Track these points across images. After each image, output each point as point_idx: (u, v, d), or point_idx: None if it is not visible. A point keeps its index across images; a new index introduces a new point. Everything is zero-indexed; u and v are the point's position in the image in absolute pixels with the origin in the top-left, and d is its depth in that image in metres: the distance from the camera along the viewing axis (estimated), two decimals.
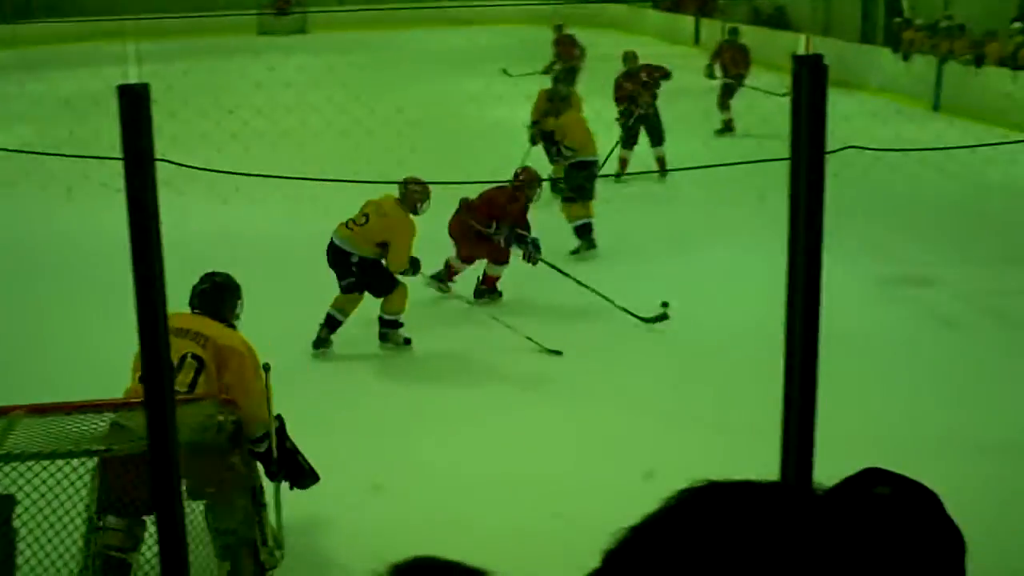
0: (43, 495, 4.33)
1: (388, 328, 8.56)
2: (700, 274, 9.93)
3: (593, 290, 9.08)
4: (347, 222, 8.34)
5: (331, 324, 8.42)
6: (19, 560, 4.32)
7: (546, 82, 15.19)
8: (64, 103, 17.24)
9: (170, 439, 2.10)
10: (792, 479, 2.12)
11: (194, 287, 5.56)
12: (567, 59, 18.57)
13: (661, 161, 13.79)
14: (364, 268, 8.27)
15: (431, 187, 8.38)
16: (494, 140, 12.72)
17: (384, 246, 8.26)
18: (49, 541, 4.37)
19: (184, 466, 3.93)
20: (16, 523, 4.29)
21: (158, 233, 2.09)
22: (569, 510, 5.60)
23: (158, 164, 2.06)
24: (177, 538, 2.11)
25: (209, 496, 4.67)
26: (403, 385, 7.92)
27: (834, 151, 2.87)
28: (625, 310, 8.81)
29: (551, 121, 12.32)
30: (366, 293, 8.41)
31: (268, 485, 5.14)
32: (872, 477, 1.36)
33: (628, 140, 13.85)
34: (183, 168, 3.07)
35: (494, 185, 9.45)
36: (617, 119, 13.92)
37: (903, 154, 11.60)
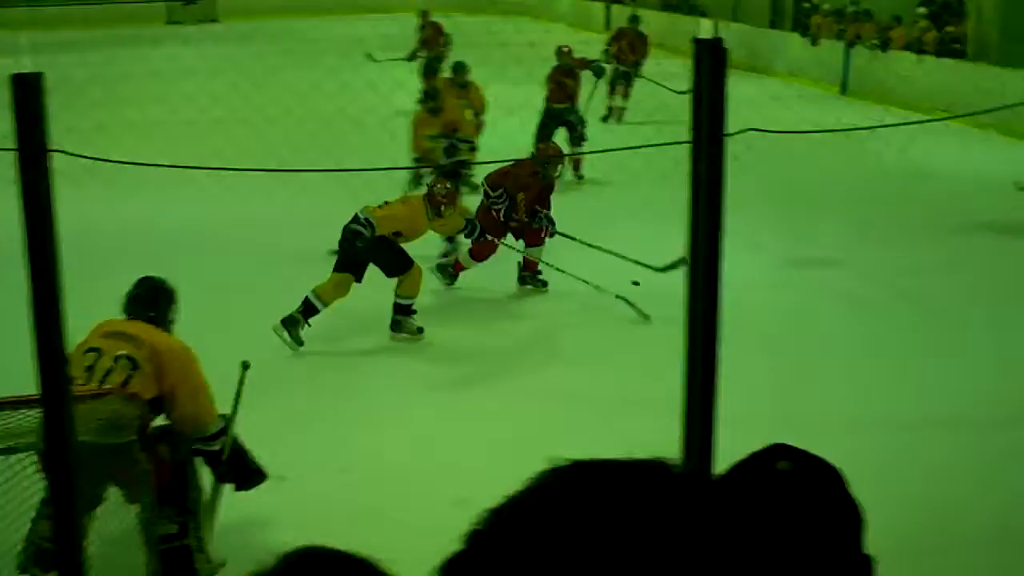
0: None
1: (401, 315, 8.26)
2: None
3: (609, 250, 9.04)
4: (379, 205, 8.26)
5: (308, 311, 8.03)
6: None
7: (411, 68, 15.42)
8: None
9: (66, 435, 2.08)
10: (694, 460, 2.16)
11: (128, 293, 5.44)
12: (432, 47, 18.33)
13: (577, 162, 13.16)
14: (380, 245, 8.04)
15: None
16: (395, 127, 12.60)
17: (398, 235, 8.12)
18: None
19: (100, 464, 3.88)
20: None
21: (52, 225, 2.06)
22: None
23: (54, 155, 2.02)
24: (72, 536, 2.08)
25: (126, 496, 4.61)
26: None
27: (734, 133, 2.91)
28: (639, 263, 8.78)
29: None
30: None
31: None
32: (775, 453, 1.39)
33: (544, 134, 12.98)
34: (81, 160, 3.00)
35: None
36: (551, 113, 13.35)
37: (806, 137, 11.81)
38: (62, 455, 1.99)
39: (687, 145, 2.63)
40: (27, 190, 2.06)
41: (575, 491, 0.73)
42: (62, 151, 2.04)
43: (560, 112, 13.30)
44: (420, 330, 8.28)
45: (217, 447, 5.09)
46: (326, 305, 8.06)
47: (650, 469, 0.85)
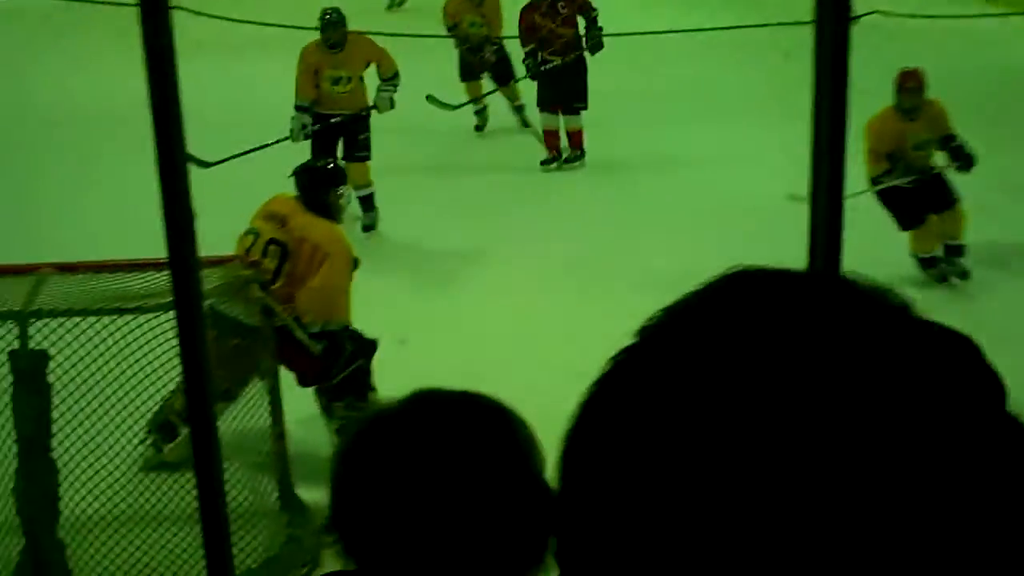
0: (75, 351, 4.37)
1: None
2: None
3: None
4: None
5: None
6: (54, 415, 4.36)
7: None
8: None
9: (194, 300, 2.06)
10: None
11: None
12: None
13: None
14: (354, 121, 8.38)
15: None
16: None
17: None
18: (83, 396, 4.42)
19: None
20: (50, 378, 4.31)
21: (176, 83, 2.01)
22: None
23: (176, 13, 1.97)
24: (207, 415, 2.07)
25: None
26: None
27: (861, 15, 2.74)
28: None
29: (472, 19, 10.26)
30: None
31: None
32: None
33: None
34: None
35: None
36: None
37: (930, 22, 11.17)
38: (190, 320, 1.97)
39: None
40: (149, 45, 1.99)
41: (761, 297, 0.69)
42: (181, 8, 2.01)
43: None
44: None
45: (318, 348, 5.04)
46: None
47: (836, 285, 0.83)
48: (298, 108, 8.22)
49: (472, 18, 10.15)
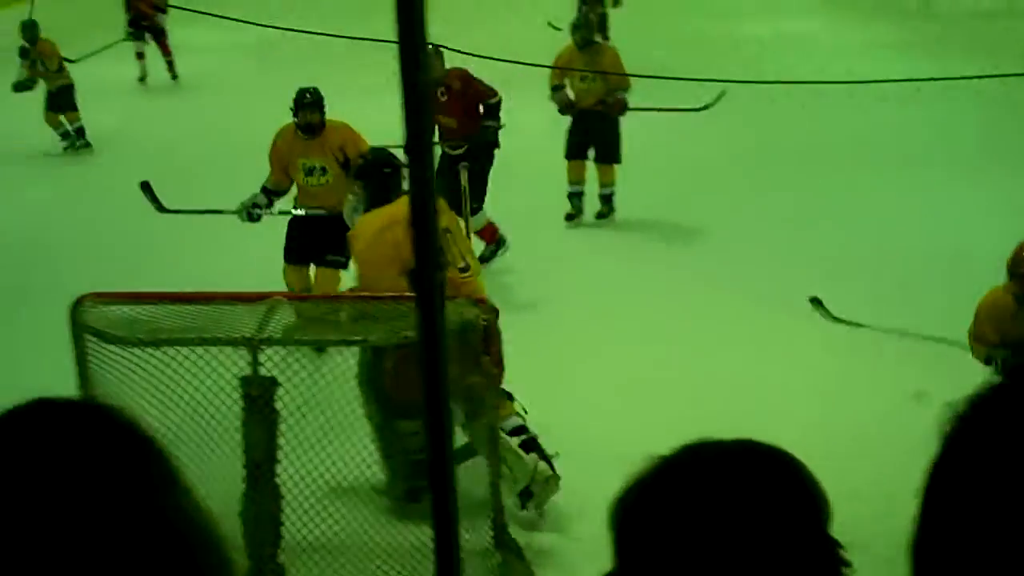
0: (303, 380, 4.48)
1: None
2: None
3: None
4: None
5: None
6: (280, 441, 4.46)
7: None
8: None
9: (439, 335, 2.06)
10: None
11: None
12: None
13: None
14: None
15: None
16: None
17: None
18: (309, 424, 4.51)
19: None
20: (277, 405, 4.42)
21: (430, 120, 2.02)
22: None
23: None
24: (444, 444, 2.07)
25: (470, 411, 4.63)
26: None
27: None
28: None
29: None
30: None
31: None
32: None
33: None
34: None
35: None
36: None
37: None
38: (435, 358, 1.96)
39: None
40: (406, 85, 2.02)
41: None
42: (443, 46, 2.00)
43: None
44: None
45: None
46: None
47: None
48: (262, 189, 7.37)
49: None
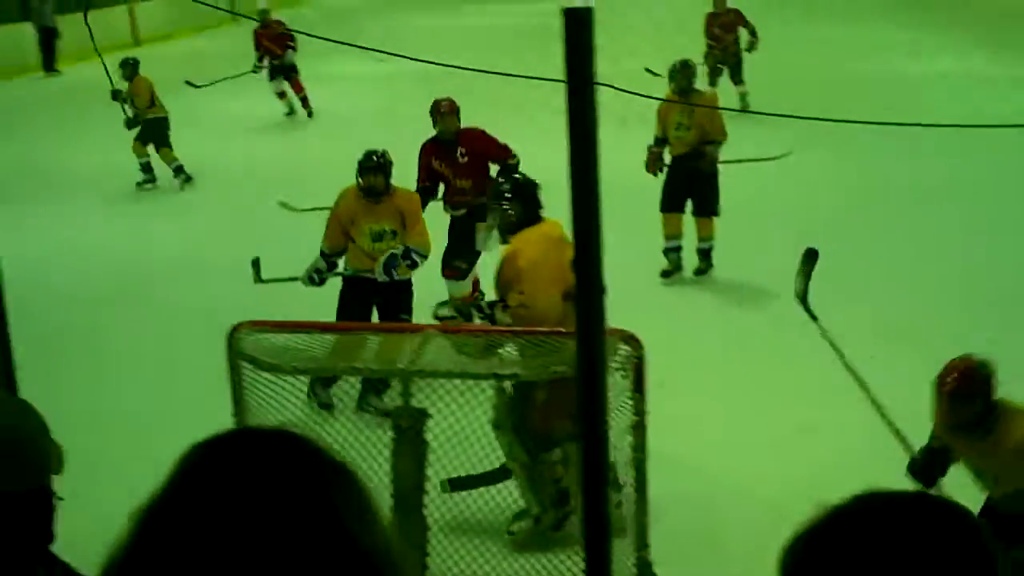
0: (453, 412, 4.54)
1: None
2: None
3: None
4: None
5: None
6: (428, 471, 4.52)
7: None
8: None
9: (598, 370, 2.09)
10: None
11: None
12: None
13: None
14: None
15: None
16: None
17: None
18: (457, 456, 4.57)
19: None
20: (427, 436, 4.49)
21: (596, 156, 2.05)
22: None
23: (599, 88, 2.01)
24: (600, 473, 2.09)
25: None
26: None
27: None
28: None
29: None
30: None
31: None
32: None
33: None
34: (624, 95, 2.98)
35: None
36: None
37: None
38: (592, 388, 2.00)
39: None
40: (573, 121, 2.06)
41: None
42: (609, 85, 2.05)
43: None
44: None
45: None
46: None
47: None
48: (321, 253, 7.13)
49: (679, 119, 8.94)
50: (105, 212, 11.86)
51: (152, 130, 12.68)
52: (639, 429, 4.27)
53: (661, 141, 9.00)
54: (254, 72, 16.15)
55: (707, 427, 6.15)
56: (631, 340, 4.17)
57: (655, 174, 9.01)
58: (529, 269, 5.21)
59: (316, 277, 7.03)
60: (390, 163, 6.99)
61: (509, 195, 5.64)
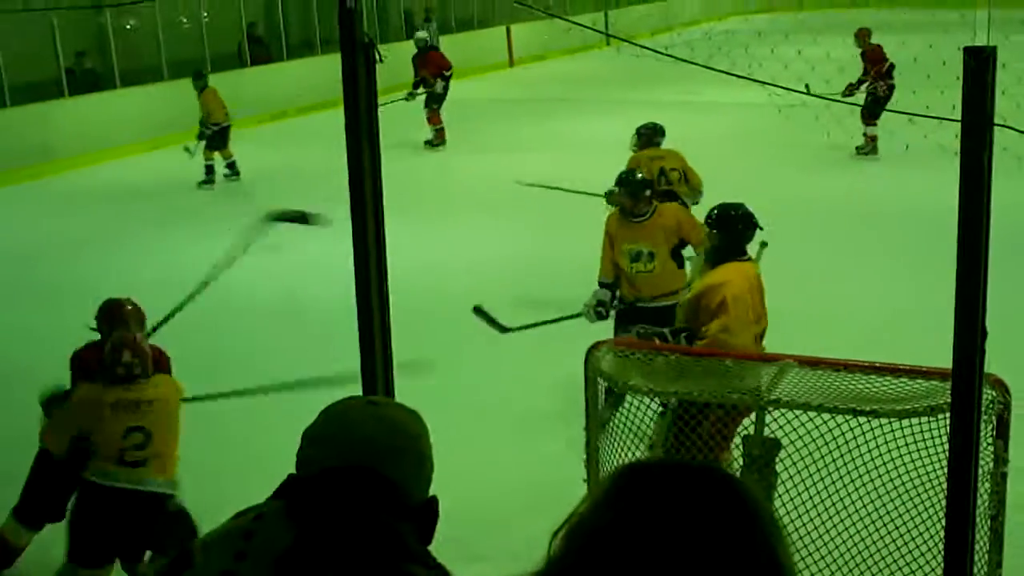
0: (805, 444, 4.48)
1: None
2: None
3: None
4: None
5: None
6: (776, 503, 4.48)
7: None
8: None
9: (973, 415, 2.06)
10: None
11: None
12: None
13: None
14: None
15: None
16: None
17: None
18: (807, 490, 4.51)
19: None
20: (778, 467, 4.47)
21: (988, 200, 2.04)
22: None
23: (996, 129, 1.99)
24: (965, 519, 2.07)
25: None
26: None
27: None
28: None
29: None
30: None
31: None
32: None
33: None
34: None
35: None
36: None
37: None
38: (966, 435, 1.98)
39: None
40: (966, 158, 2.06)
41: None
42: (1007, 126, 2.01)
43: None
44: None
45: None
46: None
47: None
48: (600, 283, 6.92)
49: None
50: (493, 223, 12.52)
51: (219, 137, 14.36)
52: (997, 477, 4.08)
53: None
54: (409, 99, 16.76)
55: None
56: (998, 384, 4.00)
57: None
58: (734, 303, 5.29)
59: (600, 308, 6.82)
60: (648, 182, 7.02)
61: (717, 225, 5.66)
